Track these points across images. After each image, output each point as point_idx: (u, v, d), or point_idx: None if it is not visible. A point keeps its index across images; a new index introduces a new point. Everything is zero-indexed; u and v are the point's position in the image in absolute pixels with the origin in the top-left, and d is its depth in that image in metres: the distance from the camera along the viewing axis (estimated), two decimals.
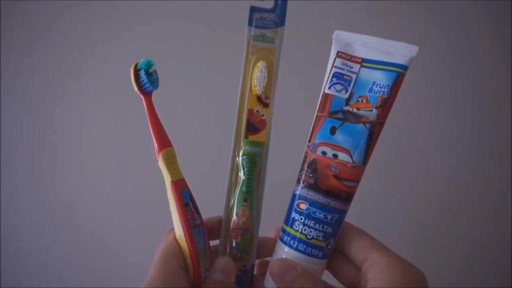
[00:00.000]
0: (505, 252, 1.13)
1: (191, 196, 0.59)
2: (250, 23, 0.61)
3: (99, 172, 1.14)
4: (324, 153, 0.58)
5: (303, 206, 0.59)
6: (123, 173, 1.14)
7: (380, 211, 1.12)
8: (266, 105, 0.62)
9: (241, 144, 0.62)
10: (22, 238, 1.16)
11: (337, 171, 0.58)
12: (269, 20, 0.61)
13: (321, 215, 0.58)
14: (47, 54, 1.12)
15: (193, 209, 0.59)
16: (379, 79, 0.58)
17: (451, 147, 1.12)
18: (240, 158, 0.62)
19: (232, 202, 0.63)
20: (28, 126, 1.13)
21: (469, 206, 1.13)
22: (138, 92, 0.59)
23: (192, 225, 0.58)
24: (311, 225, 0.58)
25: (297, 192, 0.60)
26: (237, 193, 0.62)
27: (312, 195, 0.58)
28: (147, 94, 0.59)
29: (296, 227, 0.59)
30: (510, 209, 1.12)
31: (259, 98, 0.62)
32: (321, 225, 0.58)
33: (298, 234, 0.59)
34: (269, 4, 0.62)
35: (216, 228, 0.64)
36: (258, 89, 0.62)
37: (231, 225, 0.62)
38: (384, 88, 0.58)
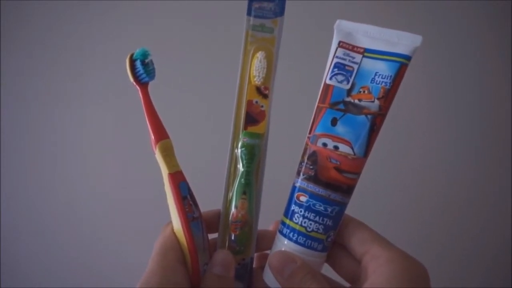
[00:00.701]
0: (505, 249, 1.12)
1: (189, 189, 0.58)
2: (249, 13, 0.60)
3: (99, 172, 1.13)
4: (324, 144, 0.57)
5: (303, 198, 0.57)
6: (123, 173, 1.13)
7: (378, 207, 1.11)
8: (265, 96, 0.61)
9: (240, 136, 0.61)
10: (22, 238, 1.14)
11: (338, 163, 0.56)
12: (268, 10, 0.60)
13: (321, 208, 0.56)
14: (47, 54, 1.11)
15: (191, 202, 0.57)
16: (382, 69, 0.57)
17: (451, 143, 1.11)
18: (239, 150, 0.60)
19: (230, 194, 0.61)
20: (28, 126, 1.12)
21: (469, 203, 1.12)
22: (134, 83, 0.57)
23: (190, 218, 0.56)
24: (311, 217, 0.57)
25: (297, 184, 0.58)
26: (236, 186, 0.61)
27: (312, 187, 0.57)
28: (143, 85, 0.57)
29: (295, 219, 0.57)
30: (510, 206, 1.11)
31: (258, 89, 0.61)
32: (321, 218, 0.56)
33: (297, 227, 0.57)
34: None
35: (215, 221, 0.62)
36: (257, 80, 0.60)
37: (229, 218, 0.61)
38: (387, 78, 0.56)
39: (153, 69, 0.57)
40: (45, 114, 1.12)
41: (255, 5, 0.59)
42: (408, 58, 0.56)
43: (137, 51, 0.57)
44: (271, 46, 0.60)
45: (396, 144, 1.07)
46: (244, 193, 0.60)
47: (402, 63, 0.56)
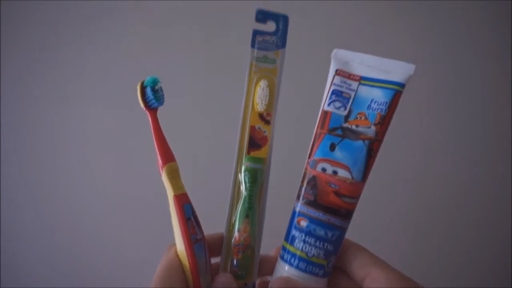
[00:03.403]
0: (505, 249, 1.10)
1: (193, 211, 0.57)
2: (253, 45, 0.61)
3: (100, 172, 1.13)
4: (324, 169, 0.56)
5: (303, 223, 0.56)
6: (124, 173, 1.12)
7: (379, 212, 1.09)
8: (267, 122, 0.61)
9: (243, 160, 0.60)
10: (22, 238, 1.13)
11: (337, 187, 0.55)
12: (271, 43, 0.61)
13: (322, 232, 0.55)
14: (48, 55, 1.12)
15: (194, 224, 0.57)
16: (377, 96, 0.57)
17: (450, 148, 1.11)
18: (242, 174, 0.60)
19: (234, 218, 0.60)
20: (29, 126, 1.12)
21: (469, 203, 1.11)
22: (144, 109, 0.58)
23: (193, 240, 0.55)
24: (312, 242, 0.55)
25: (297, 209, 0.57)
26: (239, 209, 0.60)
27: (312, 211, 0.56)
28: (152, 110, 0.58)
29: (296, 244, 0.56)
30: (510, 206, 1.10)
31: (260, 116, 0.61)
32: (321, 243, 0.55)
33: (298, 252, 0.56)
34: (271, 27, 0.61)
35: (218, 244, 0.61)
36: (260, 107, 0.60)
37: (232, 242, 0.59)
38: (382, 105, 0.56)
39: (162, 95, 0.58)
40: (46, 114, 1.12)
41: (259, 38, 0.61)
42: (402, 85, 0.57)
43: (147, 79, 0.58)
44: (273, 76, 0.61)
45: (396, 147, 1.06)
46: (247, 216, 0.59)
47: (396, 90, 0.56)
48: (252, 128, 0.61)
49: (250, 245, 0.59)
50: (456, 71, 1.10)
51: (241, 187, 0.60)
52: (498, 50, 1.10)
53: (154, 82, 0.58)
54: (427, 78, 1.08)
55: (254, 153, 0.60)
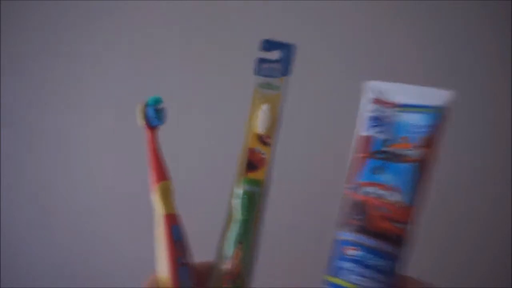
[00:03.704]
0: (505, 249, 1.10)
1: (182, 234, 0.55)
2: (257, 72, 0.60)
3: (100, 172, 1.12)
4: (369, 193, 0.53)
5: (352, 252, 0.52)
6: (124, 173, 1.11)
7: None
8: (266, 144, 0.59)
9: (239, 183, 0.57)
10: (22, 238, 1.12)
11: (386, 211, 0.52)
12: (276, 70, 0.60)
13: (375, 261, 0.51)
14: (48, 55, 1.10)
15: (183, 247, 0.54)
16: (418, 120, 0.55)
17: (450, 148, 1.09)
18: (237, 197, 0.57)
19: (225, 243, 0.57)
20: (28, 127, 1.11)
21: (469, 207, 1.10)
22: (145, 127, 0.57)
23: (179, 263, 0.53)
24: (364, 273, 0.51)
25: (343, 237, 0.53)
26: (232, 235, 0.56)
27: (361, 238, 0.52)
28: (152, 128, 0.57)
29: (345, 276, 0.51)
30: (510, 206, 1.09)
31: (259, 137, 0.59)
32: (375, 273, 0.51)
33: (349, 285, 0.51)
34: (276, 55, 0.60)
35: (210, 273, 0.56)
36: (260, 130, 0.58)
37: (222, 270, 0.56)
38: (424, 128, 0.54)
39: (164, 115, 0.57)
40: (45, 114, 1.11)
41: (264, 66, 0.60)
42: (442, 109, 0.55)
43: (150, 98, 0.57)
44: (276, 101, 0.60)
45: None
46: (240, 242, 0.56)
47: (437, 113, 0.55)
48: (251, 150, 0.59)
49: (240, 274, 0.55)
50: (456, 71, 1.09)
51: (236, 211, 0.57)
52: (498, 50, 1.09)
53: (157, 102, 0.57)
54: (426, 78, 1.07)
55: (251, 175, 0.58)
